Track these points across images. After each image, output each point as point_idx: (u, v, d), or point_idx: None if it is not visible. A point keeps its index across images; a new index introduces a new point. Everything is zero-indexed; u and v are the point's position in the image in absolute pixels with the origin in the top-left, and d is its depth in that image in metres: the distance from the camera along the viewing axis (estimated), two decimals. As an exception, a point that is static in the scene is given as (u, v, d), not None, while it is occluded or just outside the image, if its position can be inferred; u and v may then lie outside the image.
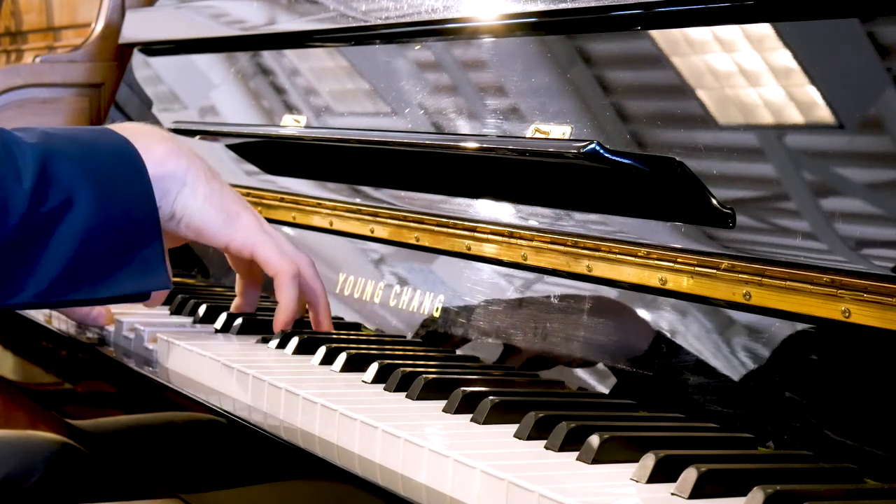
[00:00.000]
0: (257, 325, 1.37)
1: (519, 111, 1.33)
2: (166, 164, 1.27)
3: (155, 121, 2.05)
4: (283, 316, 1.34)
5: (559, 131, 1.25)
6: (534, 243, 1.25)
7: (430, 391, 1.10)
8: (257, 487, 1.26)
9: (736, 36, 1.13)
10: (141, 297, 1.25)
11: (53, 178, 1.16)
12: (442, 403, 1.07)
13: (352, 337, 1.37)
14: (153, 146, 1.27)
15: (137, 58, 2.16)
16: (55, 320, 1.59)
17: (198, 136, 1.79)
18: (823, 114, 1.06)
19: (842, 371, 0.97)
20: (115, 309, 1.48)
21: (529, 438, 0.98)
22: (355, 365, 1.21)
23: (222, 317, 1.42)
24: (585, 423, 0.96)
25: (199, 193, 1.30)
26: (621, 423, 1.00)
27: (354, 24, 1.60)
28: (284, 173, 1.67)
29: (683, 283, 1.09)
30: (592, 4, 1.26)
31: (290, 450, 1.12)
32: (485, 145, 1.27)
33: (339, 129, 1.60)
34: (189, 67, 2.04)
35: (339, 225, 1.53)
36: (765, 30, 1.10)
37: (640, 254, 1.13)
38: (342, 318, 1.46)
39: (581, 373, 1.16)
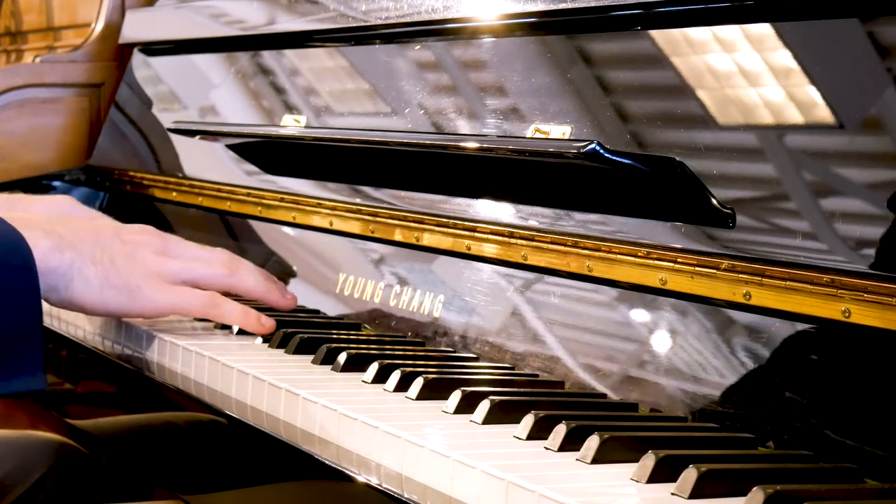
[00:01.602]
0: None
1: (519, 111, 1.33)
2: (50, 262, 1.25)
3: (155, 120, 2.05)
4: (248, 326, 1.35)
5: (559, 131, 1.25)
6: (534, 243, 1.25)
7: (430, 391, 1.10)
8: (257, 488, 1.26)
9: (736, 36, 1.13)
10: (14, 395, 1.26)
11: None
12: (442, 403, 1.07)
13: (352, 337, 1.37)
14: (39, 241, 1.24)
15: (137, 58, 2.16)
16: (55, 321, 1.59)
17: (198, 136, 1.79)
18: (823, 114, 1.06)
19: (842, 371, 0.97)
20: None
21: (529, 438, 0.98)
22: (355, 365, 1.21)
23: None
24: (585, 423, 0.96)
25: (93, 282, 1.28)
26: (621, 423, 1.00)
27: (354, 24, 1.60)
28: (284, 173, 1.67)
29: (683, 283, 1.09)
30: (592, 4, 1.26)
31: (290, 450, 1.12)
32: (485, 145, 1.27)
33: (339, 129, 1.60)
34: (189, 67, 2.04)
35: (339, 225, 1.53)
36: (765, 30, 1.10)
37: (640, 254, 1.13)
38: (342, 318, 1.47)
39: (581, 373, 1.16)
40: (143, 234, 1.36)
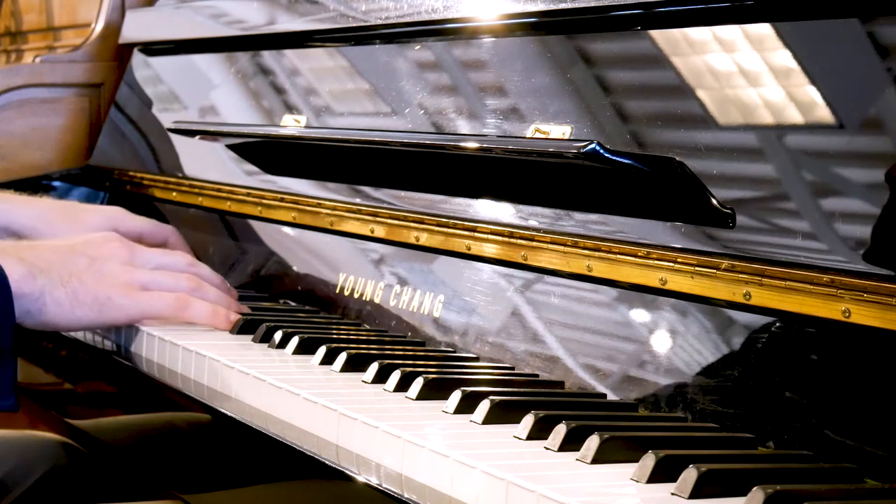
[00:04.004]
0: (255, 324, 1.37)
1: (519, 111, 1.33)
2: (23, 287, 1.30)
3: (155, 120, 2.05)
4: (217, 324, 1.40)
5: (559, 131, 1.25)
6: (534, 243, 1.25)
7: (430, 391, 1.10)
8: (257, 488, 1.26)
9: (736, 36, 1.13)
10: None
11: None
12: (442, 403, 1.07)
13: (352, 337, 1.37)
14: (13, 269, 1.30)
15: (137, 58, 2.16)
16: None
17: (198, 136, 1.79)
18: (823, 114, 1.06)
19: (842, 371, 0.97)
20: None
21: (529, 438, 0.98)
22: (355, 365, 1.21)
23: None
24: (585, 423, 0.96)
25: (64, 302, 1.33)
26: (621, 423, 1.00)
27: (354, 24, 1.60)
28: (284, 173, 1.67)
29: (683, 283, 1.09)
30: (592, 4, 1.26)
31: (290, 450, 1.12)
32: (485, 145, 1.27)
33: (340, 129, 1.60)
34: (189, 67, 2.04)
35: (339, 225, 1.53)
36: (765, 30, 1.10)
37: (640, 254, 1.13)
38: (342, 318, 1.47)
39: (581, 373, 1.16)
40: (108, 246, 1.41)
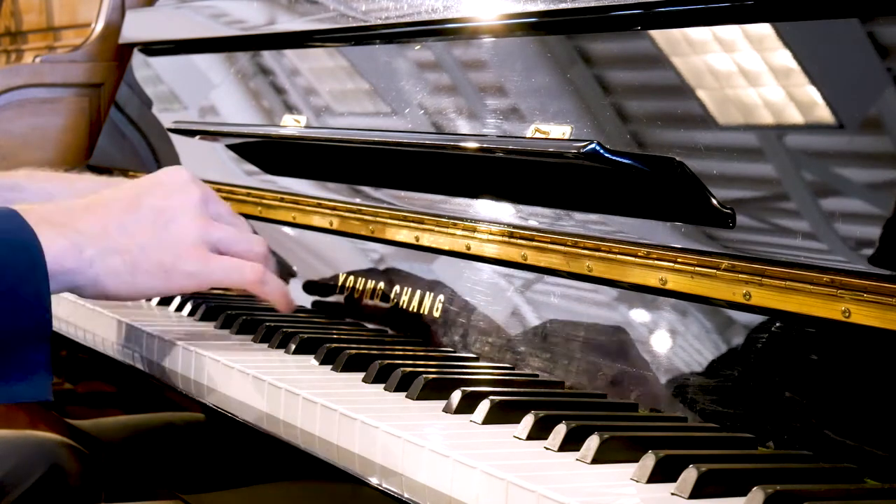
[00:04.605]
0: (256, 324, 1.37)
1: (519, 111, 1.33)
2: (66, 262, 1.19)
3: (155, 120, 2.05)
4: (282, 306, 1.34)
5: (559, 131, 1.25)
6: (534, 243, 1.25)
7: (430, 391, 1.10)
8: (257, 488, 1.26)
9: (736, 36, 1.13)
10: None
11: None
12: (442, 403, 1.07)
13: (352, 337, 1.37)
14: (52, 241, 1.17)
15: (137, 58, 2.16)
16: (55, 320, 1.59)
17: (198, 136, 1.79)
18: (823, 114, 1.06)
19: (842, 371, 0.97)
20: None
21: (529, 438, 0.98)
22: (355, 365, 1.21)
23: (221, 316, 1.42)
24: (585, 423, 0.96)
25: (122, 272, 1.22)
26: (621, 423, 1.00)
27: (354, 24, 1.60)
28: (284, 173, 1.67)
29: (683, 283, 1.09)
30: (592, 4, 1.26)
31: (290, 450, 1.12)
32: (485, 145, 1.27)
33: (340, 129, 1.60)
34: (189, 67, 2.04)
35: (339, 225, 1.53)
36: (765, 30, 1.10)
37: (640, 254, 1.13)
38: (342, 318, 1.47)
39: (581, 373, 1.16)
40: (179, 195, 1.27)
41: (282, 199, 1.64)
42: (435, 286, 1.36)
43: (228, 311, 1.43)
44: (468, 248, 1.33)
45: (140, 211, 1.25)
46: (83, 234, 1.21)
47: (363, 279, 1.46)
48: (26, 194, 1.43)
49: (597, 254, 1.17)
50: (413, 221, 1.41)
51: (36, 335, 1.14)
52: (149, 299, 1.49)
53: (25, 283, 1.13)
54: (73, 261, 1.19)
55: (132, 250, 1.23)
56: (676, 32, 1.19)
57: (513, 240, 1.27)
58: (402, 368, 1.14)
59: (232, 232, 1.29)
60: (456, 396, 1.06)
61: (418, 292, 1.37)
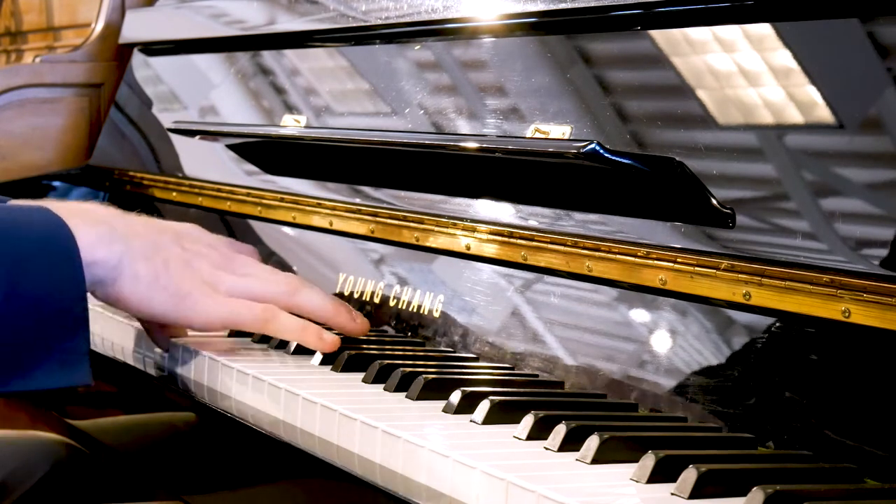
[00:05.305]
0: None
1: (519, 111, 1.33)
2: (96, 253, 1.17)
3: (155, 121, 2.05)
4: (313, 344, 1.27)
5: (559, 131, 1.25)
6: (534, 243, 1.25)
7: (430, 391, 1.10)
8: (257, 488, 1.26)
9: (736, 36, 1.13)
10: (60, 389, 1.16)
11: None
12: (442, 403, 1.07)
13: (352, 337, 1.37)
14: (84, 231, 1.16)
15: (137, 58, 2.16)
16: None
17: (198, 136, 1.79)
18: (823, 114, 1.06)
19: (842, 371, 0.97)
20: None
21: (529, 438, 0.98)
22: (355, 365, 1.21)
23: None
24: (585, 423, 0.96)
25: (142, 279, 1.20)
26: (621, 423, 1.00)
27: (354, 24, 1.60)
28: (284, 173, 1.67)
29: (683, 283, 1.09)
30: (592, 4, 1.26)
31: (291, 450, 1.12)
32: (485, 145, 1.27)
33: (339, 129, 1.60)
34: (189, 67, 2.04)
35: (339, 225, 1.53)
36: (765, 30, 1.10)
37: (639, 254, 1.13)
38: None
39: (581, 373, 1.16)
40: (206, 248, 1.28)
41: (282, 199, 1.64)
42: (435, 286, 1.36)
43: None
44: (468, 248, 1.33)
45: (168, 239, 1.25)
46: (115, 228, 1.20)
47: (363, 279, 1.46)
48: None
49: (596, 254, 1.17)
50: (413, 221, 1.41)
51: (71, 323, 1.13)
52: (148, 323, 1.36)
53: (59, 269, 1.12)
54: (103, 252, 1.18)
55: (157, 262, 1.22)
56: (676, 32, 1.19)
57: (512, 240, 1.27)
58: (401, 368, 1.14)
59: (246, 281, 1.27)
60: (456, 396, 1.06)
61: (418, 292, 1.37)
